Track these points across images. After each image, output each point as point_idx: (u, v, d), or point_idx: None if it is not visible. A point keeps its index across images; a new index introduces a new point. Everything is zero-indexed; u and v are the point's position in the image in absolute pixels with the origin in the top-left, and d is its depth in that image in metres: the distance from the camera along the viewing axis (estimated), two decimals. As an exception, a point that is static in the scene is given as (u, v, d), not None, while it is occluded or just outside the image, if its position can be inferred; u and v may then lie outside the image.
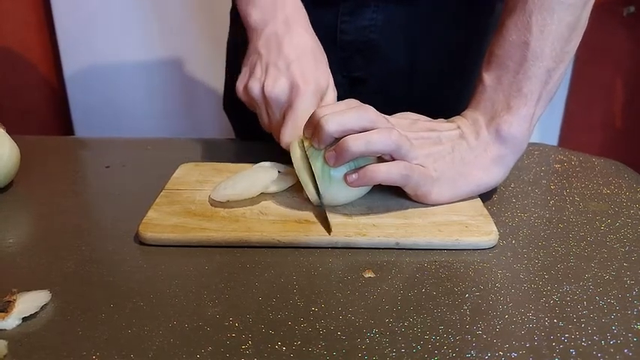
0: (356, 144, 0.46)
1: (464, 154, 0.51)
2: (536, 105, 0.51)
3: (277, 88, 0.53)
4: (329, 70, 0.57)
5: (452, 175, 0.50)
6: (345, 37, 0.69)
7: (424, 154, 0.49)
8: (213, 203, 0.50)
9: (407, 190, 0.50)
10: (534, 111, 0.51)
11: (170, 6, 1.36)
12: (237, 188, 0.51)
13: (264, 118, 0.57)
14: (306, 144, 0.49)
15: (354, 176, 0.47)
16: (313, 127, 0.48)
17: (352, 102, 0.50)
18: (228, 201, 0.50)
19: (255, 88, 0.54)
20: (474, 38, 0.72)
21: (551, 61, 0.50)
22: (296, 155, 0.50)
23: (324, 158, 0.47)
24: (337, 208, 0.50)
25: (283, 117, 0.54)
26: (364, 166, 0.48)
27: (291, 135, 0.52)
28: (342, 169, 0.48)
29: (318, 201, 0.49)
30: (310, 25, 0.58)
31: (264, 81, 0.54)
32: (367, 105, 0.49)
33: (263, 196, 0.52)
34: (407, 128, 0.51)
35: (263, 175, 0.52)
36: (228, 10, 0.80)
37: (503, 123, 0.50)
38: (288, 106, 0.54)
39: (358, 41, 0.69)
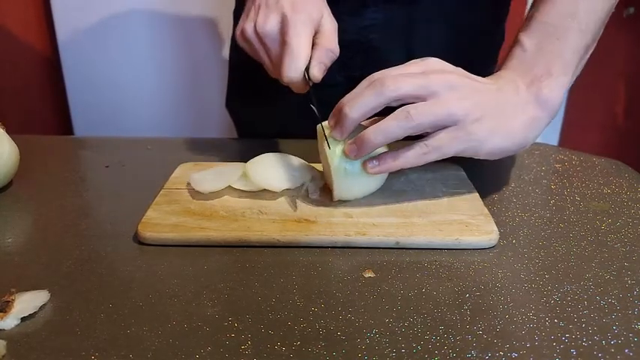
0: (376, 137, 0.46)
1: (505, 107, 0.49)
2: (572, 76, 0.52)
3: (268, 24, 0.53)
4: (324, 3, 0.56)
5: (498, 127, 0.48)
6: (345, 36, 0.69)
7: (470, 104, 0.47)
8: (210, 200, 0.50)
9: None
10: (569, 81, 0.51)
11: (171, 5, 1.36)
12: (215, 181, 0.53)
13: (265, 61, 0.56)
14: (327, 133, 0.49)
15: (374, 162, 0.48)
16: (336, 116, 0.48)
17: (374, 76, 0.48)
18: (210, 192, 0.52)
19: (248, 28, 0.54)
20: (473, 40, 0.72)
21: (590, 37, 0.52)
22: (322, 140, 0.50)
23: (344, 151, 0.47)
24: (337, 208, 0.50)
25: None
26: (383, 153, 0.48)
27: (290, 68, 0.51)
28: (358, 162, 0.48)
29: (345, 193, 0.49)
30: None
31: (255, 20, 0.54)
32: (387, 73, 0.47)
33: (263, 195, 0.52)
34: (456, 73, 0.49)
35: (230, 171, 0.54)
36: (232, 10, 0.80)
37: (544, 87, 0.50)
38: (282, 41, 0.53)
39: (358, 41, 0.69)
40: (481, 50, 0.75)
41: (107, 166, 0.63)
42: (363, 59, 0.70)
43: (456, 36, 0.70)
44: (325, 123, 0.51)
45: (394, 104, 0.47)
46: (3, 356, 0.34)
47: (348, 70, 0.72)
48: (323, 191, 0.53)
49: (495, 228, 0.47)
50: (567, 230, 0.49)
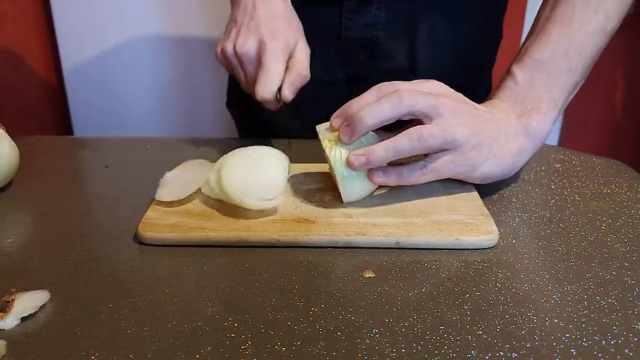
0: (387, 153, 0.47)
1: (499, 136, 0.51)
2: (559, 111, 0.54)
3: (246, 45, 0.57)
4: (300, 32, 0.61)
5: (490, 154, 0.51)
6: (350, 33, 0.70)
7: (471, 131, 0.49)
8: (208, 202, 0.50)
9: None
10: (557, 115, 0.54)
11: (171, 5, 1.36)
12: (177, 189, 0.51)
13: (241, 78, 0.61)
14: (330, 138, 0.49)
15: (380, 173, 0.49)
16: (345, 119, 0.49)
17: (385, 87, 0.50)
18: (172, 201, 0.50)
19: (229, 48, 0.59)
20: (474, 36, 0.73)
21: (580, 76, 0.54)
22: (325, 143, 0.50)
23: (347, 162, 0.48)
24: (337, 208, 0.50)
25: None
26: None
27: (265, 89, 0.56)
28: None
29: (353, 194, 0.50)
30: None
31: (235, 41, 0.58)
32: (401, 87, 0.49)
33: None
34: (458, 99, 0.51)
35: (196, 176, 0.52)
36: (229, 8, 0.80)
37: (533, 120, 0.53)
38: (257, 63, 0.57)
39: (362, 38, 0.70)
40: (481, 47, 0.76)
41: (107, 166, 0.63)
42: (368, 56, 0.71)
43: (457, 32, 0.71)
44: (325, 125, 0.51)
45: (404, 118, 0.49)
46: (3, 356, 0.34)
47: (351, 67, 0.72)
48: (323, 192, 0.53)
49: (495, 228, 0.47)
50: (567, 230, 0.49)
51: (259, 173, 0.49)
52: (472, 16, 0.72)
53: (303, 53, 0.59)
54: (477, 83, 0.79)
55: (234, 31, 0.60)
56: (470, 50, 0.73)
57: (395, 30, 0.70)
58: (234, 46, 0.58)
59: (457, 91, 0.52)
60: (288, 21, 0.60)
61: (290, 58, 0.58)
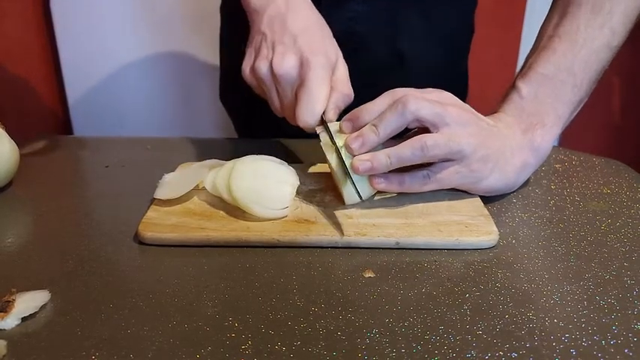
0: (390, 160, 0.47)
1: (504, 150, 0.51)
2: (562, 127, 0.54)
3: (286, 64, 0.51)
4: (336, 44, 0.55)
5: (496, 167, 0.51)
6: (331, 27, 0.69)
7: (477, 142, 0.48)
8: (210, 200, 0.50)
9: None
10: (559, 131, 0.54)
11: (170, 5, 1.36)
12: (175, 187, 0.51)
13: (274, 101, 0.55)
14: (339, 142, 0.49)
15: (381, 179, 0.49)
16: (355, 125, 0.49)
17: (396, 93, 0.49)
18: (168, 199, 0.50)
19: (262, 67, 0.52)
20: (453, 30, 0.73)
21: (584, 93, 0.54)
22: (329, 150, 0.50)
23: (352, 165, 0.47)
24: (337, 208, 0.50)
25: (296, 96, 0.52)
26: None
27: (308, 113, 0.50)
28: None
29: (355, 196, 0.49)
30: (311, 2, 0.56)
31: (271, 59, 0.52)
32: (409, 93, 0.48)
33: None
34: (465, 109, 0.50)
35: (193, 174, 0.52)
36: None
37: (537, 136, 0.53)
38: (299, 83, 0.51)
39: (345, 32, 0.69)
40: (456, 42, 0.78)
41: (107, 166, 0.63)
42: (350, 51, 0.71)
43: (434, 28, 0.72)
44: (330, 125, 0.51)
45: (411, 125, 0.49)
46: (3, 356, 0.34)
47: None
48: (323, 192, 0.53)
49: (495, 228, 0.47)
50: (567, 230, 0.49)
51: (272, 183, 0.49)
52: (447, 12, 0.73)
53: (343, 70, 0.54)
54: (454, 76, 0.80)
55: (264, 46, 0.53)
56: (447, 45, 0.74)
57: (376, 24, 0.70)
58: (271, 65, 0.51)
59: (446, 84, 0.52)
60: (322, 31, 0.54)
61: (331, 73, 0.53)
